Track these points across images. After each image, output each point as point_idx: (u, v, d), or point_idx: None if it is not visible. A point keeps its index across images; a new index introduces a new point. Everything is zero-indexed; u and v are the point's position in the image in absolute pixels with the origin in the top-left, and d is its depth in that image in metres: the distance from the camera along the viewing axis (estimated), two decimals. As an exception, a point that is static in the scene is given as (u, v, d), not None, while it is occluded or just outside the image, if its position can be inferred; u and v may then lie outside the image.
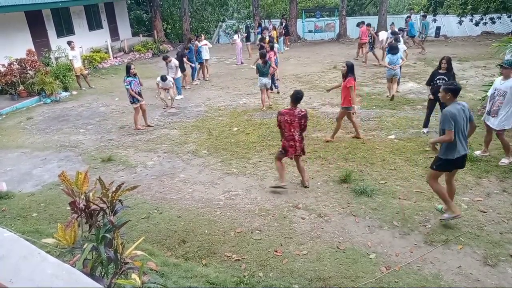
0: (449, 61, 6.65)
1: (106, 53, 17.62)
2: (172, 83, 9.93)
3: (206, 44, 14.11)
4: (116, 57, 18.09)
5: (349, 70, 6.83)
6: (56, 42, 15.72)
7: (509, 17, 21.64)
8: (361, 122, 8.15)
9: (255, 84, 10.96)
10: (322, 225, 4.64)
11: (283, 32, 18.74)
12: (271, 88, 10.43)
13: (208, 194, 5.52)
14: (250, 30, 18.90)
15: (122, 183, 3.03)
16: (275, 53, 11.74)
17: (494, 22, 21.46)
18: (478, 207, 4.82)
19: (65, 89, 12.32)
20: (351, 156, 6.44)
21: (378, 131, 7.58)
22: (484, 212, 4.70)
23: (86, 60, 15.77)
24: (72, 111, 10.50)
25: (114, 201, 3.10)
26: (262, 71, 9.57)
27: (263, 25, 19.99)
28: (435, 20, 22.72)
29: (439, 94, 4.43)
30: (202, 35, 15.50)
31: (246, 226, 4.67)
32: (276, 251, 4.19)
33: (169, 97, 10.02)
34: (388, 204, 4.96)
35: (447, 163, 4.38)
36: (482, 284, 3.61)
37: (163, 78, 9.81)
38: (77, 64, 12.57)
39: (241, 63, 15.87)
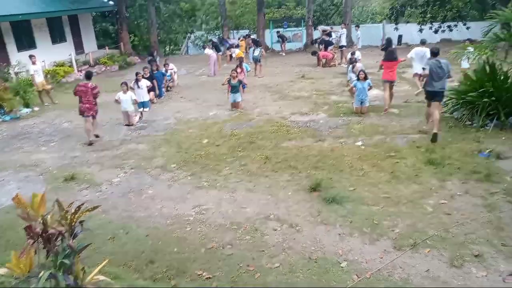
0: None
1: (70, 66, 17.10)
2: (131, 111, 9.59)
3: (171, 69, 14.07)
4: (80, 71, 17.53)
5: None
6: (17, 57, 15.12)
7: (464, 24, 22.84)
8: (329, 130, 8.27)
9: (225, 94, 10.93)
10: (294, 236, 4.61)
11: (251, 44, 18.94)
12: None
13: (177, 210, 5.38)
14: (220, 43, 18.99)
15: (82, 204, 2.89)
16: (242, 70, 11.87)
17: (451, 30, 22.61)
18: (443, 209, 4.95)
19: (26, 105, 11.81)
20: (321, 164, 6.50)
21: (346, 138, 7.71)
22: (449, 214, 4.83)
23: (48, 75, 15.23)
24: (33, 128, 10.05)
25: (73, 223, 2.95)
26: (233, 85, 10.12)
27: (230, 41, 20.15)
28: (396, 29, 23.65)
29: None
30: (169, 63, 14.99)
31: (217, 242, 4.58)
32: (248, 266, 4.12)
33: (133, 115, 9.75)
34: (357, 210, 5.02)
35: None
36: (448, 285, 3.69)
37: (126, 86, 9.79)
38: (39, 79, 12.09)
39: (214, 74, 15.81)
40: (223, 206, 5.39)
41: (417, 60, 10.33)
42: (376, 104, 9.92)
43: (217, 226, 4.91)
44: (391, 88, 9.26)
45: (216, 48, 17.23)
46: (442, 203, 5.10)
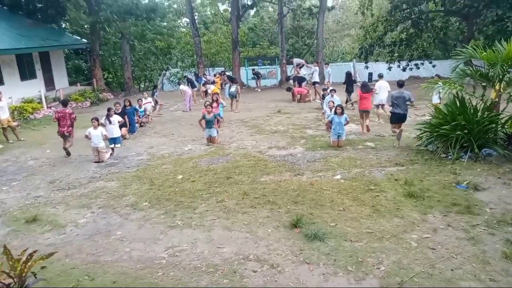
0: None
1: (39, 103, 16.55)
2: (102, 147, 9.21)
3: (149, 102, 13.95)
4: (50, 107, 17.04)
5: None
6: (-18, 93, 14.49)
7: (430, 63, 24.11)
8: (307, 163, 8.16)
9: (200, 129, 10.76)
10: (276, 277, 4.30)
11: (226, 80, 19.17)
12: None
13: (148, 252, 4.96)
14: (195, 79, 19.16)
15: (35, 251, 2.53)
16: (218, 104, 11.83)
17: (418, 68, 23.76)
18: (427, 244, 4.80)
19: (-11, 142, 11.16)
20: (301, 199, 6.29)
21: (324, 172, 7.59)
22: (434, 249, 4.67)
23: (15, 111, 14.62)
24: (-5, 166, 9.41)
25: (24, 274, 2.57)
26: (208, 120, 10.00)
27: (207, 77, 20.33)
28: (367, 67, 24.66)
29: None
30: (145, 93, 15.64)
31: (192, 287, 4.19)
32: (226, 313, 3.75)
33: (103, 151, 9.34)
34: (340, 247, 4.78)
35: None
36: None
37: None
38: (4, 115, 11.54)
39: (190, 110, 15.73)
40: (198, 247, 5.02)
41: (380, 92, 11.72)
42: (352, 138, 9.98)
43: (192, 269, 4.53)
44: (367, 116, 10.70)
45: (191, 84, 17.31)
46: (426, 237, 4.95)
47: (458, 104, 8.18)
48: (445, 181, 6.71)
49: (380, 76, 12.49)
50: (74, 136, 10.23)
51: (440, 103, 10.62)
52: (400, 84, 9.80)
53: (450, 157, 7.83)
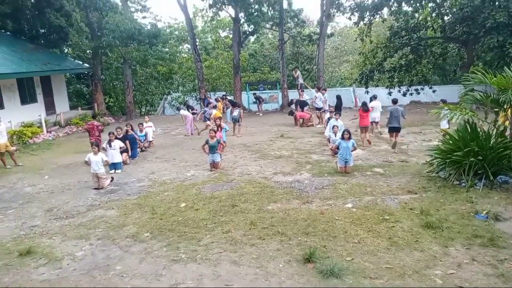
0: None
1: (39, 127, 16.33)
2: (102, 173, 8.90)
3: (150, 126, 13.77)
4: (50, 131, 16.82)
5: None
6: (-19, 117, 14.30)
7: (430, 88, 24.17)
8: (315, 190, 7.85)
9: (202, 154, 10.52)
10: (290, 320, 3.92)
11: (228, 104, 19.10)
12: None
13: (151, 290, 4.59)
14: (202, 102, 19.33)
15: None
16: (221, 130, 11.68)
17: (418, 93, 23.80)
18: (453, 281, 4.44)
19: (-15, 168, 10.85)
20: (311, 229, 5.94)
21: (334, 199, 7.27)
22: (461, 287, 4.31)
23: (14, 135, 14.38)
24: (-10, 193, 9.06)
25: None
26: (211, 145, 9.80)
27: (210, 100, 20.30)
28: (367, 92, 24.69)
29: None
30: (147, 116, 15.60)
31: (199, 330, 3.80)
32: None
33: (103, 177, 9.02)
34: (359, 285, 4.41)
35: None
36: None
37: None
38: (2, 140, 11.25)
39: (191, 134, 15.56)
40: (204, 284, 4.64)
41: (374, 111, 13.22)
42: (359, 163, 9.71)
43: (199, 309, 4.15)
44: (366, 131, 12.08)
45: (190, 108, 17.27)
46: (451, 274, 4.59)
47: (469, 130, 7.97)
48: (463, 210, 6.39)
49: (374, 97, 13.98)
50: (74, 160, 9.96)
51: (448, 128, 10.42)
52: (394, 101, 12.13)
53: (464, 184, 7.54)
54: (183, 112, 16.28)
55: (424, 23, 22.62)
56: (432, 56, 23.95)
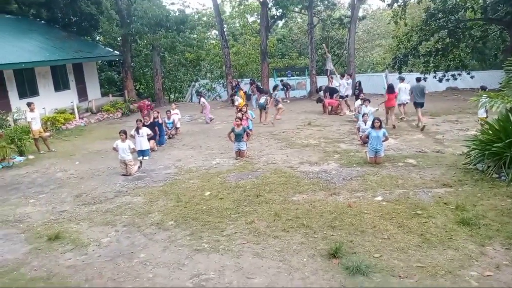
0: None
1: (71, 113, 16.82)
2: (129, 159, 9.01)
3: (176, 114, 13.79)
4: (82, 118, 17.30)
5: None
6: (18, 103, 14.87)
7: (468, 74, 22.86)
8: (343, 182, 7.58)
9: (228, 142, 10.45)
10: (313, 317, 3.78)
11: (255, 91, 18.85)
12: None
13: (172, 279, 4.56)
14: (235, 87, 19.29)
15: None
16: (247, 118, 11.53)
17: (455, 79, 22.59)
18: (490, 283, 4.13)
19: (21, 153, 11.26)
20: (338, 223, 5.73)
21: (362, 192, 6.99)
22: (500, 291, 4.01)
23: (48, 122, 14.87)
24: (25, 177, 9.40)
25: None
26: (237, 133, 9.71)
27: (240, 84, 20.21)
28: (400, 78, 23.68)
29: None
30: (174, 104, 15.69)
31: (219, 324, 3.74)
32: None
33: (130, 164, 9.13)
34: (388, 284, 4.19)
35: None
36: None
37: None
38: (36, 126, 11.65)
39: (211, 120, 15.65)
40: (226, 276, 4.57)
41: (401, 93, 13.28)
42: (391, 153, 9.31)
43: (220, 302, 4.09)
44: (392, 111, 12.82)
45: (202, 96, 17.28)
46: (488, 276, 4.28)
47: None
48: (502, 207, 5.96)
49: (402, 79, 13.91)
50: (104, 146, 10.17)
51: (487, 117, 9.78)
52: (418, 79, 13.17)
53: (504, 178, 7.05)
54: (203, 100, 16.16)
55: (463, 4, 21.19)
56: (471, 39, 22.55)
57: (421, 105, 12.41)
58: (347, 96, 16.37)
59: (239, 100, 16.25)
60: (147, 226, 6.13)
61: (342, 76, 17.78)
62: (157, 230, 5.95)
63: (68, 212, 6.95)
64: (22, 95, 15.82)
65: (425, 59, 23.31)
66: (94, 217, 6.64)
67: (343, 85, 16.37)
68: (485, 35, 22.57)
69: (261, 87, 19.93)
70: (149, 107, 14.52)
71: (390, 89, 12.98)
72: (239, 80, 23.42)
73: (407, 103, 13.32)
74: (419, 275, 4.33)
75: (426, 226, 5.45)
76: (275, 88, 19.08)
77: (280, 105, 14.58)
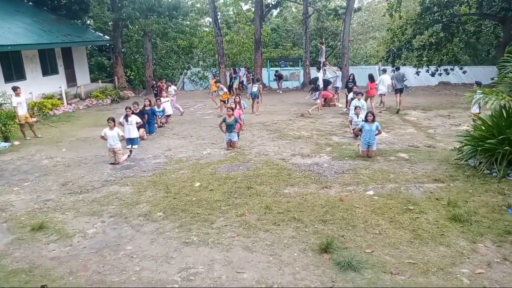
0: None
1: (59, 99, 16.43)
2: (118, 148, 8.79)
3: (168, 101, 13.50)
4: (70, 104, 16.92)
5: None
6: (3, 87, 14.43)
7: (461, 69, 22.92)
8: (335, 175, 7.51)
9: (220, 132, 10.29)
10: (303, 314, 3.70)
11: (250, 79, 18.61)
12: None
13: (160, 273, 4.44)
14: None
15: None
16: (240, 107, 11.33)
17: (448, 73, 22.65)
18: (482, 282, 4.10)
19: (5, 139, 10.95)
20: (329, 217, 5.66)
21: (354, 185, 6.93)
22: (492, 289, 3.98)
23: (35, 107, 14.49)
24: (9, 164, 9.14)
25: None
26: (228, 124, 9.50)
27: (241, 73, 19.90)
28: (393, 71, 23.62)
29: None
30: (164, 92, 14.69)
31: (207, 320, 3.64)
32: None
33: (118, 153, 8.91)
34: (379, 281, 4.14)
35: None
36: None
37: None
38: (22, 111, 11.33)
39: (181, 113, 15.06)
40: (215, 270, 4.47)
41: (381, 84, 14.37)
42: (383, 147, 9.26)
43: (208, 297, 3.99)
44: (372, 100, 13.78)
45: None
46: (479, 273, 4.24)
47: (505, 116, 7.37)
48: (494, 203, 5.94)
49: (384, 71, 14.95)
50: (92, 134, 9.91)
51: (480, 113, 9.77)
52: (397, 68, 14.90)
53: (495, 174, 7.04)
54: (173, 88, 15.76)
55: (458, -2, 21.17)
56: (464, 34, 22.58)
57: (400, 90, 13.90)
58: (337, 88, 16.33)
59: (224, 90, 15.92)
60: (134, 217, 5.98)
61: (340, 68, 17.87)
62: (145, 222, 5.81)
63: (53, 201, 6.76)
64: (8, 78, 15.39)
65: (419, 53, 23.30)
66: (80, 206, 6.46)
67: (339, 76, 16.41)
68: (478, 31, 22.61)
69: (256, 77, 19.70)
70: (162, 87, 14.88)
71: (371, 78, 14.18)
72: (237, 68, 23.01)
73: (385, 94, 14.44)
74: (411, 272, 4.28)
75: (418, 222, 5.41)
76: (312, 81, 18.02)
77: (318, 100, 14.34)
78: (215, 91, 15.83)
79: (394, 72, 14.39)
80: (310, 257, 4.65)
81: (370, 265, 4.41)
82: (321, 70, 16.21)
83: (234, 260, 4.67)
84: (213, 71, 26.45)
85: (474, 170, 7.36)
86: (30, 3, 20.85)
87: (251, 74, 19.27)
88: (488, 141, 7.19)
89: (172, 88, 15.48)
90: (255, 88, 14.60)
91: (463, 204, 5.90)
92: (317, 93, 14.28)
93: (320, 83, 15.06)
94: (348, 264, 4.37)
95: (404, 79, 14.20)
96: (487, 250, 4.71)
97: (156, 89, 16.17)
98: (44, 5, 21.17)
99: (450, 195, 6.21)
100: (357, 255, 4.56)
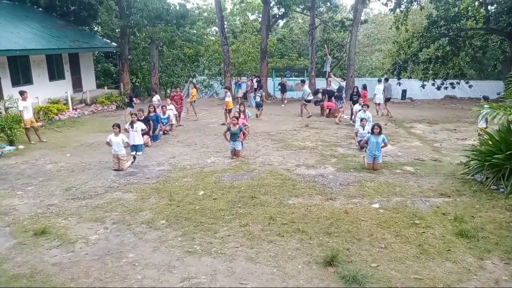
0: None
1: (65, 104, 16.51)
2: (122, 154, 8.77)
3: (172, 109, 13.50)
4: (75, 109, 17.00)
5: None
6: (11, 91, 14.54)
7: (467, 83, 22.89)
8: (340, 186, 7.45)
9: (224, 141, 10.28)
10: (307, 329, 3.63)
11: (255, 87, 18.65)
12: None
13: (162, 282, 4.38)
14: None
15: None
16: (245, 116, 11.36)
17: (454, 87, 22.63)
18: (490, 300, 4.02)
19: (11, 142, 10.98)
20: (334, 229, 5.59)
21: (360, 198, 6.86)
22: (500, 308, 3.89)
23: (41, 111, 14.57)
24: (13, 168, 9.15)
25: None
26: (232, 132, 9.49)
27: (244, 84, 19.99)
28: (399, 84, 23.66)
29: None
30: (168, 100, 14.32)
31: (209, 333, 3.57)
32: None
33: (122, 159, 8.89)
34: (385, 296, 4.06)
35: None
36: None
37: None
38: (28, 115, 11.38)
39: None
40: (218, 281, 4.41)
41: (378, 93, 15.65)
42: (388, 160, 9.20)
43: (210, 309, 3.92)
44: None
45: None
46: (488, 291, 4.16)
47: (513, 131, 7.31)
48: (501, 220, 5.86)
49: (379, 81, 16.16)
50: (97, 139, 9.92)
51: (487, 127, 9.71)
52: (386, 79, 16.66)
53: (502, 190, 6.96)
54: (157, 98, 14.94)
55: (465, 12, 21.24)
56: (471, 48, 22.61)
57: (389, 99, 16.15)
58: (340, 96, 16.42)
59: (229, 98, 15.82)
60: (137, 224, 5.94)
61: (343, 79, 18.11)
62: (148, 229, 5.76)
63: (56, 206, 6.73)
64: (15, 83, 15.51)
65: (425, 66, 23.33)
66: (83, 212, 6.43)
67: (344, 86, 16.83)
68: (485, 45, 22.63)
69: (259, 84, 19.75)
70: (175, 97, 14.38)
71: (364, 87, 15.56)
72: (243, 77, 23.07)
73: (380, 103, 15.71)
74: (417, 288, 4.20)
75: (424, 237, 5.33)
76: (316, 92, 18.00)
77: (341, 108, 15.03)
78: (194, 101, 15.76)
79: (385, 82, 15.90)
80: (314, 270, 4.58)
81: (375, 280, 4.34)
82: (332, 79, 16.95)
83: (237, 271, 4.61)
84: (219, 79, 26.56)
85: (480, 185, 7.28)
86: (40, 8, 21.11)
87: (257, 83, 19.26)
88: (496, 156, 7.12)
89: (156, 98, 14.77)
90: (258, 98, 14.69)
91: (470, 220, 5.82)
92: (341, 101, 15.08)
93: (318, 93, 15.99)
94: (353, 278, 4.29)
95: (391, 89, 16.59)
96: (494, 267, 4.62)
97: (131, 101, 14.75)
98: (53, 11, 21.43)
99: (456, 210, 6.13)
100: (363, 269, 4.49)
